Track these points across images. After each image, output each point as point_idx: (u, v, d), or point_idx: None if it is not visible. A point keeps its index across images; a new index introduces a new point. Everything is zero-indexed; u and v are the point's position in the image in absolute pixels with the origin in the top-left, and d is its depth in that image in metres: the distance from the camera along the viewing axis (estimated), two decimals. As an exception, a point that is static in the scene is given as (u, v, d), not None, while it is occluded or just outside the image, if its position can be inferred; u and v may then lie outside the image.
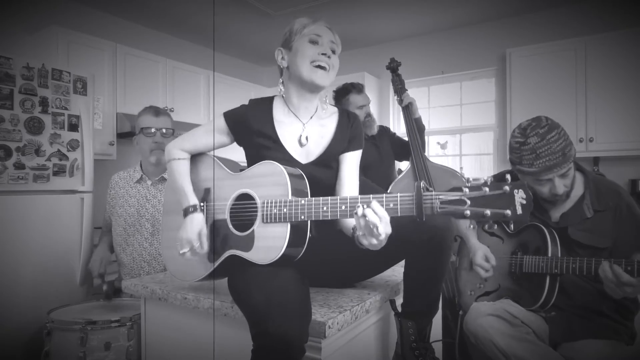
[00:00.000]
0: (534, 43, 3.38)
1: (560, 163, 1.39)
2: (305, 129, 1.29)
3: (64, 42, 2.85)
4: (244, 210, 1.18)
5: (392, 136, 2.62)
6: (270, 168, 1.15)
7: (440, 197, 0.92)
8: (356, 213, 0.97)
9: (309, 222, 1.11)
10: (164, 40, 3.95)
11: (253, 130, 1.28)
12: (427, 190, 0.93)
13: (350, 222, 1.16)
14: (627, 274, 1.24)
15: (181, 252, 1.19)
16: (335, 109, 1.37)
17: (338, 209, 1.03)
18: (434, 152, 4.18)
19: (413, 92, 4.12)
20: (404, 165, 2.42)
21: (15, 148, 2.09)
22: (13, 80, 2.09)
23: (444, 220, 1.13)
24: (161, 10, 3.49)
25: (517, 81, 3.39)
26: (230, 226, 1.19)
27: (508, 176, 0.91)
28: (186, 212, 1.23)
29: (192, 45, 4.22)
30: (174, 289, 1.35)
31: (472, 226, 0.94)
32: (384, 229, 0.96)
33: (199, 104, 3.82)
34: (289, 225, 1.07)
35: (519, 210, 0.86)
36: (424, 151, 2.36)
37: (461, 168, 3.99)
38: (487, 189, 0.89)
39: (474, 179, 0.92)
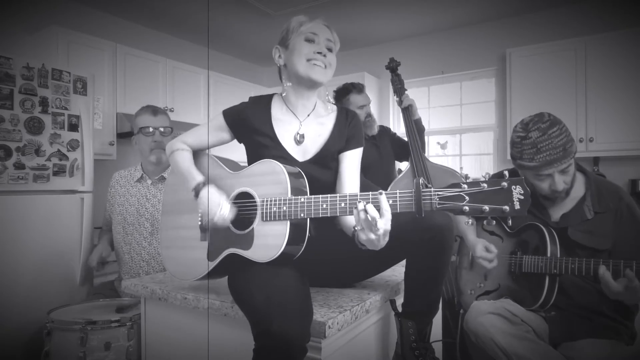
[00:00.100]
0: (534, 43, 3.38)
1: (560, 158, 1.39)
2: (302, 126, 1.29)
3: (64, 42, 2.85)
4: (244, 208, 1.18)
5: (393, 136, 2.62)
6: (269, 167, 1.16)
7: (439, 193, 0.93)
8: (356, 207, 0.97)
9: (308, 220, 1.11)
10: (164, 40, 3.95)
11: (252, 128, 1.29)
12: (426, 187, 0.94)
13: (351, 221, 1.16)
14: (616, 284, 1.25)
15: (216, 218, 1.15)
16: (335, 108, 1.37)
17: (337, 206, 1.03)
18: (434, 152, 4.18)
19: (413, 92, 4.15)
20: (404, 166, 2.42)
21: (15, 148, 2.09)
22: (13, 80, 2.09)
23: (445, 220, 1.13)
24: (161, 10, 3.49)
25: (517, 81, 3.39)
26: (230, 224, 1.19)
27: (506, 172, 0.92)
28: (197, 189, 1.21)
29: (192, 45, 4.22)
30: (174, 289, 1.35)
31: (470, 222, 0.94)
32: (384, 224, 0.96)
33: (199, 104, 3.82)
34: (288, 223, 1.08)
35: (517, 206, 0.87)
36: (424, 152, 2.36)
37: (461, 168, 3.97)
38: (485, 185, 0.90)
39: (473, 179, 0.92)
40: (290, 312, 0.94)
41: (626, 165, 3.23)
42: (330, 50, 1.27)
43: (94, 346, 1.59)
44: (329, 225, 1.24)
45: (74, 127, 2.32)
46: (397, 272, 1.52)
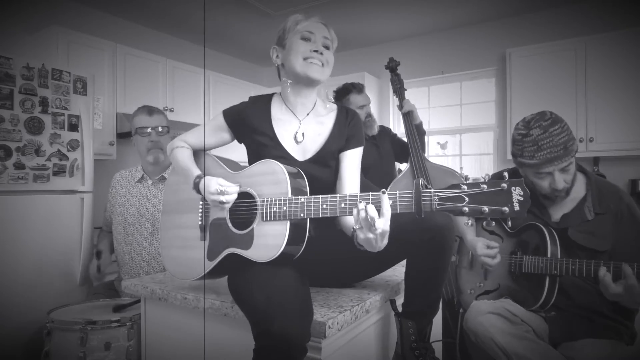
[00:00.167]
0: (534, 43, 3.39)
1: (561, 156, 1.39)
2: (302, 126, 1.29)
3: (64, 42, 2.85)
4: (244, 208, 1.18)
5: (393, 137, 2.62)
6: (269, 166, 1.16)
7: (439, 194, 0.93)
8: (356, 206, 0.98)
9: (308, 220, 1.12)
10: (164, 40, 3.95)
11: (251, 128, 1.29)
12: (426, 187, 0.94)
13: (351, 221, 1.16)
14: (616, 286, 1.26)
15: (222, 200, 1.14)
16: (335, 107, 1.37)
17: (337, 207, 1.03)
18: (434, 152, 4.18)
19: (413, 92, 4.15)
20: (404, 166, 2.42)
21: (15, 148, 2.09)
22: (13, 80, 2.09)
23: (445, 220, 1.13)
24: (161, 10, 3.49)
25: (517, 81, 3.39)
26: (230, 224, 1.19)
27: (506, 173, 0.92)
28: (195, 183, 1.22)
29: (192, 45, 4.22)
30: (174, 289, 1.35)
31: (470, 223, 0.94)
32: (382, 224, 0.96)
33: (199, 104, 3.82)
34: (288, 223, 1.08)
35: (517, 207, 0.88)
36: (424, 153, 2.36)
37: (461, 168, 3.99)
38: (485, 186, 0.90)
39: (473, 179, 0.93)
40: (291, 312, 0.94)
41: (626, 165, 3.24)
42: (327, 47, 1.27)
43: (94, 346, 1.59)
44: (329, 226, 1.24)
45: (74, 127, 2.32)
46: (397, 272, 1.52)
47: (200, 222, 1.26)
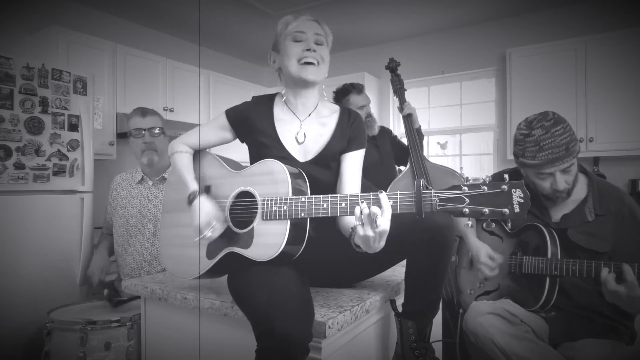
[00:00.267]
0: (534, 43, 3.39)
1: (562, 157, 1.38)
2: (303, 126, 1.29)
3: (64, 42, 2.85)
4: (244, 207, 1.19)
5: (393, 139, 2.62)
6: (271, 166, 1.16)
7: (440, 194, 0.93)
8: (359, 204, 0.98)
9: (308, 220, 1.12)
10: (164, 40, 3.95)
11: (254, 128, 1.29)
12: (427, 188, 0.94)
13: (349, 222, 1.16)
14: (618, 287, 1.25)
15: (207, 235, 1.17)
16: (338, 108, 1.36)
17: (338, 206, 1.03)
18: (434, 152, 4.18)
19: (413, 92, 4.15)
20: (404, 166, 2.42)
21: (15, 148, 2.09)
22: (13, 80, 2.09)
23: (445, 220, 1.13)
24: (161, 10, 3.49)
25: (517, 81, 3.39)
26: (230, 223, 1.19)
27: (506, 175, 0.92)
28: (189, 199, 1.22)
29: (192, 45, 4.22)
30: (174, 289, 1.35)
31: (470, 224, 0.94)
32: (384, 222, 0.96)
33: (199, 104, 3.82)
34: (288, 222, 1.08)
35: (517, 209, 0.88)
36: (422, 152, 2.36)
37: (461, 168, 3.99)
38: (485, 187, 0.90)
39: (473, 180, 0.93)
40: (292, 312, 0.94)
41: (626, 165, 3.24)
42: (320, 44, 1.26)
43: (94, 346, 1.59)
44: (329, 226, 1.24)
45: (74, 127, 2.32)
46: (397, 272, 1.52)
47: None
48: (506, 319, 1.40)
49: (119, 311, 1.77)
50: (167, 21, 3.70)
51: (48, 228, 2.22)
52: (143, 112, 2.08)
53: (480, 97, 3.95)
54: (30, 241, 2.16)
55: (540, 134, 1.41)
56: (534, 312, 1.49)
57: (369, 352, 1.30)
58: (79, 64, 2.83)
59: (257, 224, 1.13)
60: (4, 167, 2.05)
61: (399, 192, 0.98)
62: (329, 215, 1.05)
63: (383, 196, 0.97)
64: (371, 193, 1.00)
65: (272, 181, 1.14)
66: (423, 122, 2.46)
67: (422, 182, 0.95)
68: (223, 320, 1.23)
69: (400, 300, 1.28)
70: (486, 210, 0.89)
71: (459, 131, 4.07)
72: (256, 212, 1.14)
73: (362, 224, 0.98)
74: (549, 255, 1.45)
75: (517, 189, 0.89)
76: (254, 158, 1.31)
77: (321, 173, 1.27)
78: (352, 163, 1.31)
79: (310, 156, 1.28)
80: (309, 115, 1.31)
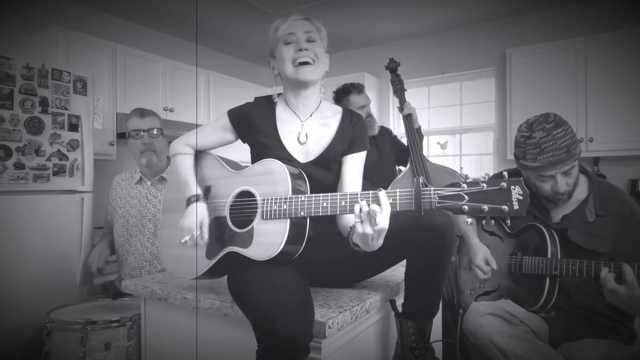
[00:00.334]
0: (534, 43, 3.39)
1: (564, 160, 1.38)
2: (304, 126, 1.29)
3: (64, 42, 2.85)
4: (244, 207, 1.19)
5: (394, 139, 2.62)
6: (271, 166, 1.16)
7: (439, 192, 0.93)
8: (358, 202, 0.98)
9: (308, 220, 1.12)
10: (164, 40, 3.95)
11: (255, 128, 1.29)
12: (426, 186, 0.95)
13: (348, 222, 1.16)
14: (618, 287, 1.25)
15: (182, 241, 1.19)
16: (340, 109, 1.36)
17: (338, 205, 1.04)
18: (434, 152, 4.18)
19: (413, 92, 4.15)
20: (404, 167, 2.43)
21: (15, 148, 2.09)
22: (13, 80, 2.09)
23: (446, 220, 1.13)
24: (161, 10, 3.49)
25: (517, 81, 3.39)
26: (230, 223, 1.19)
27: (505, 173, 0.93)
28: (189, 201, 1.23)
29: (192, 45, 4.22)
30: (174, 289, 1.35)
31: (470, 222, 0.94)
32: (383, 220, 0.96)
33: (199, 103, 3.82)
34: (288, 221, 1.08)
35: (516, 206, 0.88)
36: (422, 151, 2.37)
37: (461, 168, 3.99)
38: (484, 185, 0.91)
39: (473, 179, 0.93)
40: (293, 312, 0.94)
41: (626, 165, 3.24)
42: (312, 41, 1.26)
43: (94, 346, 1.59)
44: (329, 226, 1.24)
45: (74, 127, 2.32)
46: (397, 272, 1.52)
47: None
48: (505, 319, 1.40)
49: (116, 310, 1.77)
50: (167, 21, 3.70)
51: (48, 228, 2.22)
52: (142, 113, 2.08)
53: (480, 97, 3.95)
54: (30, 241, 2.16)
55: (542, 137, 1.40)
56: (534, 312, 1.49)
57: (369, 352, 1.30)
58: (79, 64, 2.83)
59: (257, 224, 1.13)
60: (4, 167, 2.05)
61: (398, 189, 0.98)
62: (329, 213, 1.05)
63: (382, 194, 0.97)
64: (370, 191, 1.00)
65: (272, 181, 1.14)
66: (423, 122, 2.46)
67: (421, 180, 0.95)
68: (223, 320, 1.23)
69: (400, 300, 1.28)
70: (485, 207, 0.90)
71: (459, 131, 4.07)
72: (256, 212, 1.14)
73: (362, 222, 0.98)
74: (549, 256, 1.45)
75: (516, 186, 0.89)
76: (255, 158, 1.31)
77: (322, 174, 1.27)
78: (353, 165, 1.31)
79: (311, 157, 1.28)
80: (311, 115, 1.31)
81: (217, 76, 3.98)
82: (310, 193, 1.14)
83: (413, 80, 4.10)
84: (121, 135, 3.13)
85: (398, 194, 0.98)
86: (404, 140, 2.49)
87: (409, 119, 2.37)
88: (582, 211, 1.48)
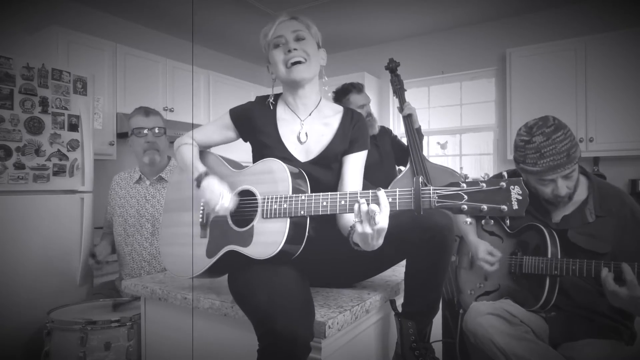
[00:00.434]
0: (534, 43, 3.39)
1: (564, 164, 1.38)
2: (304, 126, 1.30)
3: (64, 42, 2.85)
4: (245, 206, 1.19)
5: (394, 139, 2.62)
6: (271, 165, 1.16)
7: (438, 191, 0.93)
8: (358, 202, 0.98)
9: (308, 220, 1.12)
10: (164, 40, 3.95)
11: (256, 127, 1.30)
12: (426, 185, 0.95)
13: (348, 221, 1.16)
14: (619, 287, 1.25)
15: (216, 209, 1.16)
16: (341, 108, 1.36)
17: (337, 204, 1.04)
18: (434, 152, 4.18)
19: (413, 92, 4.15)
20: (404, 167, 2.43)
21: (15, 148, 2.09)
22: (13, 80, 2.09)
23: (446, 220, 1.13)
24: (161, 10, 3.49)
25: (517, 81, 3.39)
26: (230, 222, 1.19)
27: (504, 173, 0.93)
28: (199, 179, 1.22)
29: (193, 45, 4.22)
30: (174, 289, 1.35)
31: (469, 222, 0.94)
32: (382, 219, 0.96)
33: (199, 104, 3.82)
34: (288, 220, 1.08)
35: (515, 206, 0.88)
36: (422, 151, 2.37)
37: (461, 168, 3.99)
38: (484, 184, 0.91)
39: (473, 179, 0.93)
40: (294, 311, 0.94)
41: (626, 165, 3.24)
42: (302, 38, 1.26)
43: (94, 346, 1.59)
44: (329, 226, 1.24)
45: (74, 127, 2.32)
46: (397, 272, 1.52)
47: (200, 220, 1.26)
48: (506, 319, 1.40)
49: (118, 311, 1.77)
50: (167, 21, 3.70)
51: (48, 228, 2.22)
52: (146, 111, 2.08)
53: (480, 97, 3.95)
54: (30, 241, 2.16)
55: (541, 141, 1.40)
56: (534, 312, 1.49)
57: (369, 352, 1.30)
58: (79, 64, 2.83)
59: (257, 222, 1.13)
60: (4, 167, 2.05)
61: (397, 189, 0.98)
62: (329, 213, 1.05)
63: (381, 194, 0.97)
64: (370, 191, 1.00)
65: (272, 180, 1.14)
66: (423, 122, 2.46)
67: (421, 179, 0.95)
68: (223, 320, 1.23)
69: (400, 300, 1.28)
70: (484, 207, 0.90)
71: (459, 131, 4.07)
72: (256, 211, 1.14)
73: (361, 221, 0.98)
74: (549, 256, 1.44)
75: (516, 186, 0.89)
76: (257, 158, 1.31)
77: (322, 174, 1.27)
78: (354, 164, 1.31)
79: (311, 156, 1.28)
80: (310, 114, 1.31)
81: (217, 76, 3.98)
82: (311, 192, 1.14)
83: (413, 80, 4.10)
84: (121, 135, 3.13)
85: (397, 193, 0.98)
86: (404, 140, 2.49)
87: (408, 119, 2.38)
88: (582, 212, 1.48)
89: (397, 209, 0.98)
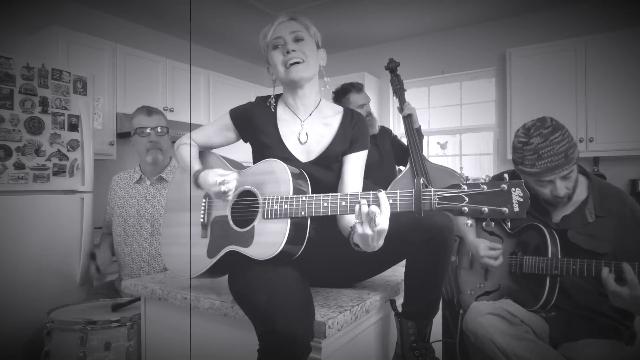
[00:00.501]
0: (534, 43, 3.39)
1: (562, 165, 1.38)
2: (304, 126, 1.30)
3: (64, 42, 2.85)
4: (246, 207, 1.19)
5: (393, 139, 2.63)
6: (272, 165, 1.16)
7: (439, 193, 0.93)
8: (359, 202, 0.98)
9: (308, 220, 1.12)
10: (164, 40, 3.95)
11: (256, 128, 1.30)
12: (426, 187, 0.95)
13: (349, 222, 1.16)
14: (619, 287, 1.25)
15: (222, 189, 1.13)
16: (341, 109, 1.37)
17: (338, 205, 1.04)
18: (434, 152, 4.18)
19: (413, 92, 4.15)
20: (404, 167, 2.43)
21: (15, 148, 2.09)
22: (13, 80, 2.09)
23: (445, 221, 1.13)
24: (161, 10, 3.49)
25: (517, 81, 3.39)
26: (231, 222, 1.19)
27: (506, 175, 0.93)
28: (195, 176, 1.24)
29: (193, 45, 4.22)
30: (174, 289, 1.35)
31: (470, 223, 0.94)
32: (382, 221, 0.96)
33: (199, 104, 3.82)
34: (289, 221, 1.08)
35: (516, 208, 0.88)
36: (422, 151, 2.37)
37: (461, 168, 4.00)
38: (485, 186, 0.91)
39: (473, 180, 0.93)
40: (294, 310, 0.95)
41: (626, 165, 3.24)
42: (300, 39, 1.26)
43: (94, 346, 1.59)
44: (330, 226, 1.24)
45: (74, 127, 2.32)
46: (397, 272, 1.52)
47: (202, 220, 1.26)
48: (506, 319, 1.40)
49: (118, 312, 1.77)
50: (167, 21, 3.70)
51: (48, 228, 2.22)
52: (148, 110, 2.09)
53: (480, 97, 3.95)
54: (30, 241, 2.15)
55: (539, 142, 1.40)
56: (534, 312, 1.49)
57: (369, 352, 1.30)
58: (79, 64, 2.83)
59: (258, 223, 1.13)
60: (4, 167, 2.05)
61: (398, 190, 0.98)
62: (329, 213, 1.05)
63: (382, 195, 0.97)
64: (371, 192, 1.00)
65: (273, 180, 1.14)
66: (423, 122, 2.46)
67: (421, 181, 0.95)
68: (223, 320, 1.23)
69: (400, 300, 1.28)
70: (485, 209, 0.90)
71: (459, 131, 4.07)
72: (257, 211, 1.14)
73: (361, 223, 0.98)
74: (549, 255, 1.45)
75: (517, 188, 0.89)
76: (257, 158, 1.31)
77: (323, 174, 1.28)
78: (354, 164, 1.31)
79: (312, 156, 1.28)
80: (310, 114, 1.31)
81: (217, 76, 3.98)
82: (311, 192, 1.14)
83: (413, 80, 4.10)
84: (121, 135, 3.13)
85: (398, 194, 0.98)
86: (404, 140, 2.49)
87: (408, 119, 2.38)
88: (581, 212, 1.48)
89: (398, 210, 0.98)
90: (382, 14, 3.60)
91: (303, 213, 1.07)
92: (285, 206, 1.09)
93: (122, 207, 2.09)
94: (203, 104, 3.85)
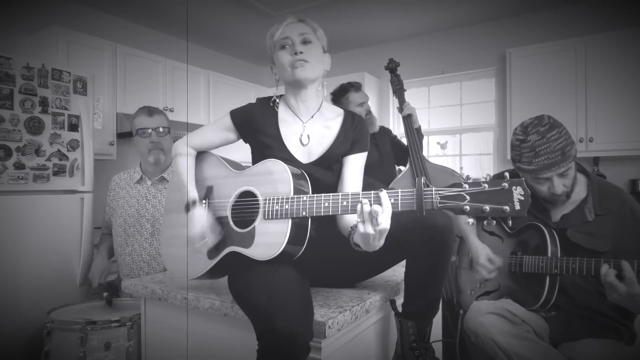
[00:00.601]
0: (534, 43, 3.39)
1: (559, 162, 1.38)
2: (306, 128, 1.30)
3: (64, 42, 2.85)
4: (246, 207, 1.19)
5: (393, 139, 2.63)
6: (272, 166, 1.16)
7: (441, 192, 0.93)
8: (360, 202, 0.98)
9: (309, 221, 1.12)
10: (164, 40, 3.95)
11: (257, 129, 1.30)
12: (428, 186, 0.95)
13: (349, 222, 1.16)
14: (620, 284, 1.25)
15: (197, 246, 1.21)
16: (342, 111, 1.37)
17: (339, 205, 1.04)
18: (434, 152, 4.18)
19: (413, 92, 4.15)
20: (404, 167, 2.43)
21: (15, 148, 2.09)
22: (13, 80, 2.09)
23: (446, 220, 1.14)
24: (161, 10, 3.49)
25: (517, 81, 3.39)
26: (232, 223, 1.19)
27: (506, 173, 0.93)
28: (187, 208, 1.24)
29: (192, 45, 4.22)
30: (174, 289, 1.35)
31: (471, 222, 0.94)
32: (384, 220, 0.96)
33: (199, 104, 3.82)
34: (290, 221, 1.08)
35: (517, 206, 0.88)
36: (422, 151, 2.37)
37: (461, 168, 4.00)
38: (486, 185, 0.91)
39: (474, 179, 0.93)
40: (293, 310, 0.95)
41: (626, 165, 3.24)
42: (308, 41, 1.26)
43: (94, 346, 1.59)
44: (330, 226, 1.24)
45: (74, 127, 2.32)
46: (397, 272, 1.52)
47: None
48: (507, 318, 1.40)
49: (116, 310, 1.77)
50: (167, 21, 3.70)
51: (48, 228, 2.22)
52: (150, 111, 2.08)
53: (480, 97, 3.95)
54: (30, 241, 2.15)
55: (536, 140, 1.41)
56: (534, 312, 1.49)
57: (369, 352, 1.30)
58: (79, 64, 2.83)
59: (259, 223, 1.13)
60: (4, 167, 2.05)
61: (400, 190, 0.98)
62: (330, 213, 1.05)
63: (384, 194, 0.97)
64: (372, 191, 1.00)
65: (273, 181, 1.14)
66: (423, 122, 2.47)
67: (423, 180, 0.95)
68: (223, 320, 1.23)
69: (400, 300, 1.28)
70: (487, 207, 0.90)
71: (459, 131, 4.07)
72: (258, 212, 1.14)
73: (363, 222, 0.98)
74: (549, 255, 1.45)
75: (518, 187, 0.89)
76: (257, 159, 1.31)
77: (323, 174, 1.28)
78: (354, 165, 1.31)
79: (313, 158, 1.28)
80: (312, 117, 1.32)
81: (217, 76, 3.98)
82: (312, 193, 1.14)
83: (413, 80, 4.10)
84: (121, 135, 3.13)
85: (400, 194, 0.98)
86: (404, 140, 2.49)
87: (408, 119, 2.38)
88: (581, 211, 1.48)
89: (399, 209, 0.98)
90: (382, 14, 3.60)
91: (304, 213, 1.07)
92: (286, 206, 1.08)
93: (122, 208, 2.08)
94: (203, 104, 3.85)
